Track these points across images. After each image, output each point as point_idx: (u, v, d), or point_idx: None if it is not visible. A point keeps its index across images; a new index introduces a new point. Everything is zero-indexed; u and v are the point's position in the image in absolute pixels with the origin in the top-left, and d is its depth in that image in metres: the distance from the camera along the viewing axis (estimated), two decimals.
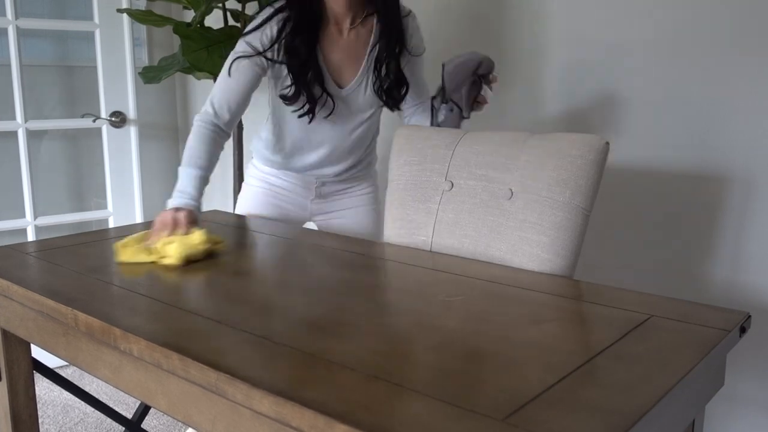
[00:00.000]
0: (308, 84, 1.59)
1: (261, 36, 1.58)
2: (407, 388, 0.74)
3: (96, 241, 1.44)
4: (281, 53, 1.59)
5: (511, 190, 1.35)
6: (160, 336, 0.89)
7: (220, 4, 2.23)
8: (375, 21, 1.63)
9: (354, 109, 1.67)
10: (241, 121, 2.37)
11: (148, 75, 2.26)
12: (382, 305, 1.03)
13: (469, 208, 1.39)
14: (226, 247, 1.39)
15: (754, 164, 1.56)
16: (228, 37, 2.17)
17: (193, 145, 1.55)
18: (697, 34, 1.61)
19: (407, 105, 1.74)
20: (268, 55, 1.59)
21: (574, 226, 1.26)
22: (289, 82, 1.60)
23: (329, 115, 1.64)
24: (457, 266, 1.25)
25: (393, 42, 1.62)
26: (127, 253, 1.29)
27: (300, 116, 1.62)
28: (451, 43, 2.09)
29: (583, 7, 1.80)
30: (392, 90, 1.65)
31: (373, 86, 1.65)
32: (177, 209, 1.43)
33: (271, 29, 1.59)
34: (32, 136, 2.58)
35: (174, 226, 1.37)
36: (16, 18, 2.39)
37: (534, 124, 1.94)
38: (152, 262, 1.28)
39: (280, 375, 0.77)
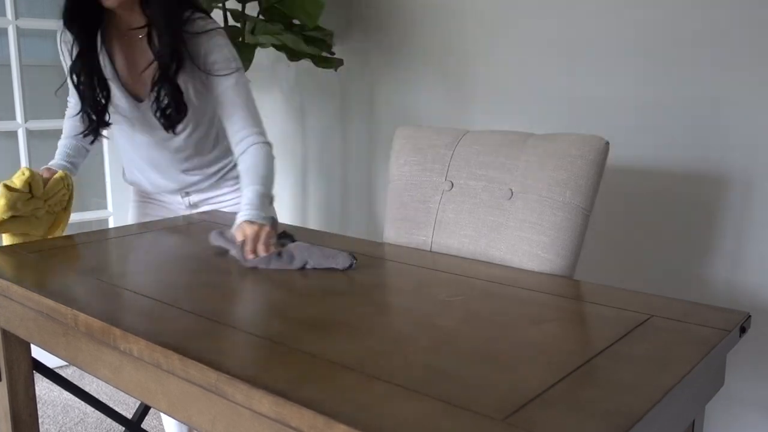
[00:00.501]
0: (92, 86, 1.51)
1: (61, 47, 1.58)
2: (407, 388, 0.74)
3: (96, 241, 1.44)
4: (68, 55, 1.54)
5: (511, 190, 1.34)
6: (160, 336, 0.89)
7: (220, 4, 2.23)
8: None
9: (154, 124, 1.53)
10: None
11: None
12: (381, 305, 1.03)
13: (469, 208, 1.39)
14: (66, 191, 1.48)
15: (754, 164, 1.56)
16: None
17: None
18: (696, 34, 1.61)
19: (229, 133, 1.50)
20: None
21: (574, 226, 1.26)
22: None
23: (132, 127, 1.57)
24: (457, 266, 1.25)
25: (167, 61, 1.42)
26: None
27: (85, 135, 1.57)
28: (453, 40, 2.09)
29: (583, 7, 1.80)
30: (168, 112, 1.47)
31: (151, 106, 1.48)
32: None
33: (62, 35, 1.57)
34: (32, 136, 2.58)
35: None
36: (16, 18, 2.39)
37: (534, 124, 1.94)
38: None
39: (280, 375, 0.77)
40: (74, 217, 2.68)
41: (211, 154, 1.67)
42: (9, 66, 2.42)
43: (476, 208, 1.38)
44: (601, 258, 1.83)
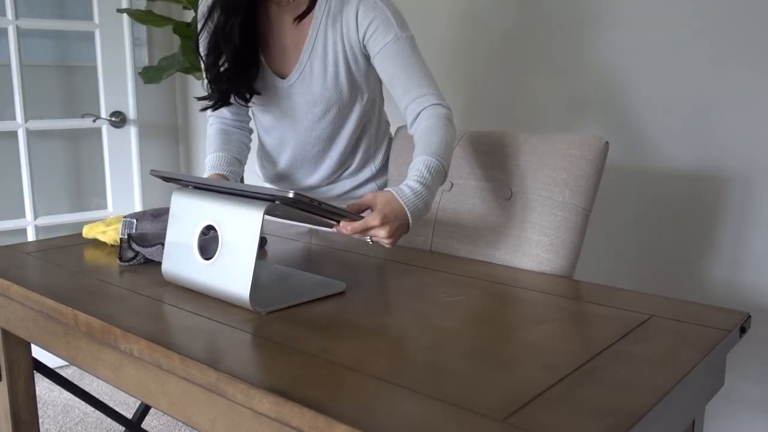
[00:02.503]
0: (238, 77, 1.35)
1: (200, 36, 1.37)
2: (407, 388, 0.74)
3: (96, 241, 1.44)
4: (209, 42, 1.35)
5: (511, 190, 1.35)
6: (160, 336, 0.89)
7: None
8: None
9: (301, 104, 1.42)
10: None
11: (148, 75, 2.26)
12: (382, 305, 1.03)
13: (469, 208, 1.39)
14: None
15: (754, 164, 1.56)
16: None
17: (209, 145, 1.48)
18: (696, 33, 1.61)
19: (399, 102, 1.36)
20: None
21: (574, 226, 1.26)
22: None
23: (273, 111, 1.43)
24: (457, 266, 1.25)
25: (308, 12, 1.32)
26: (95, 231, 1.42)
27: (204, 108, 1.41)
28: (447, 42, 2.09)
29: (583, 7, 1.80)
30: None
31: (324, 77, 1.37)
32: None
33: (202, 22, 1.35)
34: (32, 136, 2.58)
35: None
36: (16, 18, 2.39)
37: (534, 124, 1.94)
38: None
39: (280, 375, 0.77)
40: (74, 217, 2.68)
41: (351, 154, 1.51)
42: (9, 66, 2.42)
43: (476, 208, 1.38)
44: (601, 258, 1.83)
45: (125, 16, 2.58)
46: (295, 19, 1.35)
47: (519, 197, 1.33)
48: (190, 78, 2.99)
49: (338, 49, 1.37)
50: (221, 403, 0.81)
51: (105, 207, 2.77)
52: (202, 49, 1.38)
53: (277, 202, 0.96)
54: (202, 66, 1.40)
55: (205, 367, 0.79)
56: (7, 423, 1.29)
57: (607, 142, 1.28)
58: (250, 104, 1.46)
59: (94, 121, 2.62)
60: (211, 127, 1.51)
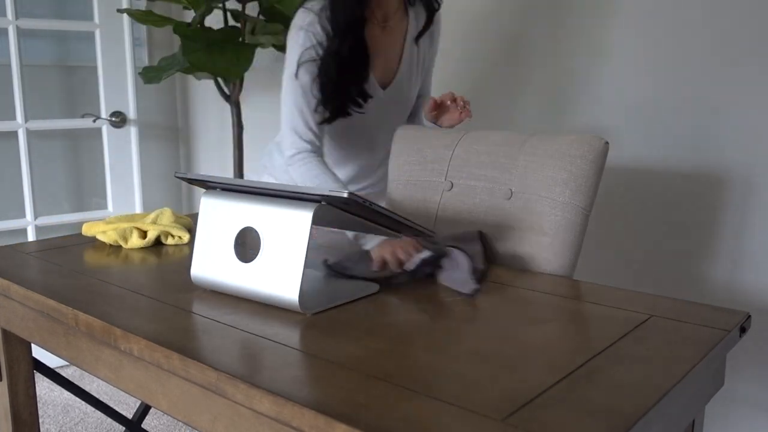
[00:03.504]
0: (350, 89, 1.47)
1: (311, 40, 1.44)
2: (407, 388, 0.74)
3: (96, 241, 1.44)
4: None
5: (511, 190, 1.35)
6: (160, 336, 0.89)
7: (220, 4, 2.23)
8: (409, 8, 1.55)
9: (392, 110, 1.58)
10: (241, 121, 2.37)
11: (148, 75, 2.26)
12: (382, 305, 1.03)
13: (469, 208, 1.39)
14: (182, 241, 1.42)
15: (754, 164, 1.56)
16: (228, 37, 2.17)
17: (319, 178, 1.42)
18: (696, 33, 1.61)
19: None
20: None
21: (574, 226, 1.26)
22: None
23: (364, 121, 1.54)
24: None
25: (426, 29, 1.57)
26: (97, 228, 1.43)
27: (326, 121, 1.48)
28: (451, 40, 2.09)
29: (582, 7, 1.80)
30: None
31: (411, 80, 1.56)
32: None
33: (315, 35, 1.43)
34: (32, 136, 2.58)
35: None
36: (16, 18, 2.39)
37: (534, 124, 1.94)
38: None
39: (280, 375, 0.77)
40: (74, 217, 2.69)
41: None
42: (9, 66, 2.42)
43: (476, 208, 1.38)
44: (601, 258, 1.83)
45: (125, 16, 2.58)
46: (416, 39, 1.57)
47: (519, 197, 1.33)
48: (190, 78, 2.99)
49: (420, 60, 1.61)
50: (221, 403, 0.81)
51: (105, 207, 2.77)
52: (310, 76, 1.44)
53: (323, 203, 0.96)
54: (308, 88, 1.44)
55: (206, 366, 0.80)
56: (7, 423, 1.29)
57: (607, 142, 1.28)
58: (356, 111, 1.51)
59: (94, 121, 2.62)
60: (308, 163, 1.44)
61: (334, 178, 1.44)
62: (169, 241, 1.41)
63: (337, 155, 1.64)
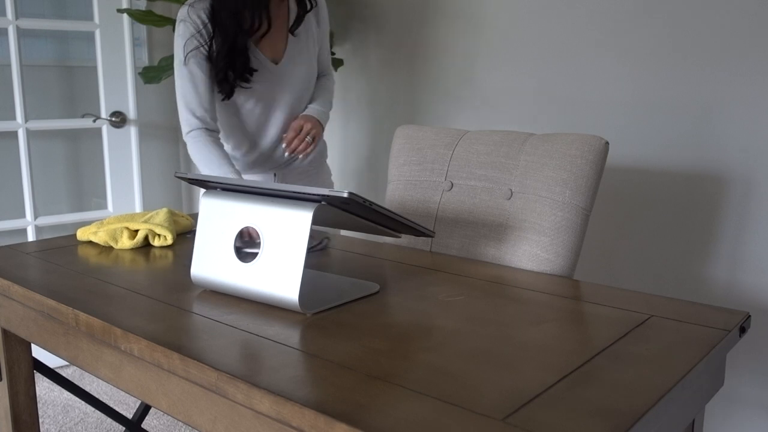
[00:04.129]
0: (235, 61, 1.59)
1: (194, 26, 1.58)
2: (407, 388, 0.74)
3: (96, 241, 1.44)
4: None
5: (511, 190, 1.35)
6: (160, 336, 0.89)
7: None
8: None
9: (286, 84, 1.68)
10: None
11: (148, 75, 2.26)
12: (382, 305, 1.03)
13: (469, 208, 1.39)
14: (166, 242, 1.41)
15: (754, 164, 1.56)
16: None
17: (206, 156, 1.56)
18: (696, 34, 1.61)
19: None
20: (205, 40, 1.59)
21: (574, 226, 1.26)
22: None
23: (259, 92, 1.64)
24: (457, 266, 1.26)
25: (301, 21, 1.67)
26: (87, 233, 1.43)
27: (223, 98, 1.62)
28: (453, 40, 2.09)
29: (583, 8, 1.80)
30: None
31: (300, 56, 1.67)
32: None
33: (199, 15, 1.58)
34: (32, 136, 2.58)
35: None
36: (16, 18, 2.39)
37: (534, 124, 1.94)
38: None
39: (281, 375, 0.77)
40: (74, 217, 2.68)
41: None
42: (9, 66, 2.42)
43: (476, 208, 1.38)
44: (601, 258, 1.83)
45: (125, 16, 2.58)
46: (289, 28, 1.68)
47: (519, 197, 1.33)
48: None
49: (311, 33, 1.72)
50: (221, 403, 0.81)
51: (105, 207, 2.77)
52: (195, 60, 1.59)
53: (323, 203, 0.95)
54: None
55: (206, 366, 0.80)
56: (7, 423, 1.29)
57: (607, 142, 1.28)
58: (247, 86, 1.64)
59: (94, 121, 2.62)
60: (199, 142, 1.58)
61: (221, 159, 1.55)
62: (156, 242, 1.41)
63: (238, 137, 1.73)
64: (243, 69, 1.59)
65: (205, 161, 1.55)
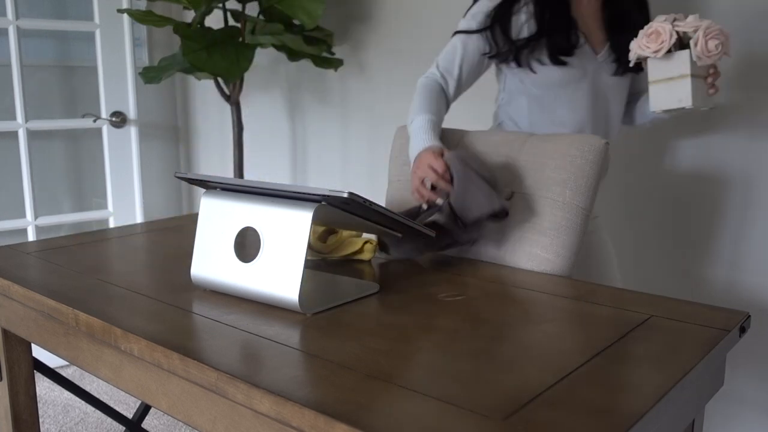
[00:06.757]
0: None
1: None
2: (407, 388, 0.74)
3: (96, 241, 1.44)
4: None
5: (511, 190, 1.35)
6: (160, 336, 0.89)
7: (221, 4, 2.23)
8: None
9: (608, 88, 1.50)
10: (241, 121, 2.37)
11: (148, 75, 2.26)
12: (382, 305, 1.03)
13: None
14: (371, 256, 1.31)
15: (754, 164, 1.56)
16: (228, 37, 2.17)
17: (420, 98, 1.44)
18: None
19: None
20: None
21: (573, 226, 1.26)
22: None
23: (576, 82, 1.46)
24: (457, 266, 1.26)
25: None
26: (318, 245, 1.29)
27: (552, 56, 1.44)
28: None
29: None
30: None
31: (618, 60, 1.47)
32: (429, 156, 1.29)
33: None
34: (32, 136, 2.58)
35: (435, 174, 1.27)
36: (17, 18, 2.39)
37: None
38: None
39: (280, 375, 0.77)
40: (74, 217, 2.69)
41: None
42: (9, 66, 2.42)
43: None
44: None
45: (125, 16, 2.58)
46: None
47: (519, 197, 1.33)
48: (190, 78, 2.99)
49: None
50: (221, 403, 0.81)
51: (105, 207, 2.77)
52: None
53: (323, 203, 0.95)
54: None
55: (206, 366, 0.80)
56: (7, 423, 1.29)
57: (607, 142, 1.28)
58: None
59: (95, 121, 2.62)
60: (427, 79, 1.48)
61: (425, 103, 1.43)
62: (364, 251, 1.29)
63: (536, 118, 1.53)
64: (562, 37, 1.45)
65: (415, 103, 1.45)
